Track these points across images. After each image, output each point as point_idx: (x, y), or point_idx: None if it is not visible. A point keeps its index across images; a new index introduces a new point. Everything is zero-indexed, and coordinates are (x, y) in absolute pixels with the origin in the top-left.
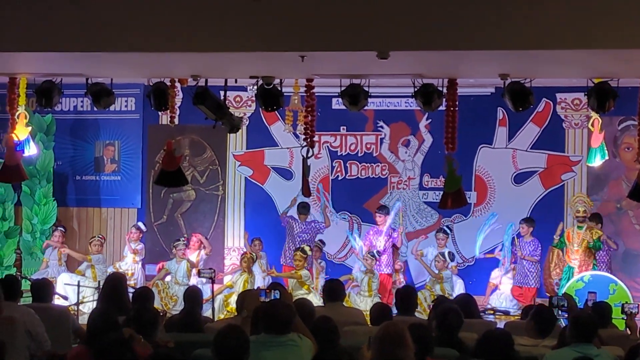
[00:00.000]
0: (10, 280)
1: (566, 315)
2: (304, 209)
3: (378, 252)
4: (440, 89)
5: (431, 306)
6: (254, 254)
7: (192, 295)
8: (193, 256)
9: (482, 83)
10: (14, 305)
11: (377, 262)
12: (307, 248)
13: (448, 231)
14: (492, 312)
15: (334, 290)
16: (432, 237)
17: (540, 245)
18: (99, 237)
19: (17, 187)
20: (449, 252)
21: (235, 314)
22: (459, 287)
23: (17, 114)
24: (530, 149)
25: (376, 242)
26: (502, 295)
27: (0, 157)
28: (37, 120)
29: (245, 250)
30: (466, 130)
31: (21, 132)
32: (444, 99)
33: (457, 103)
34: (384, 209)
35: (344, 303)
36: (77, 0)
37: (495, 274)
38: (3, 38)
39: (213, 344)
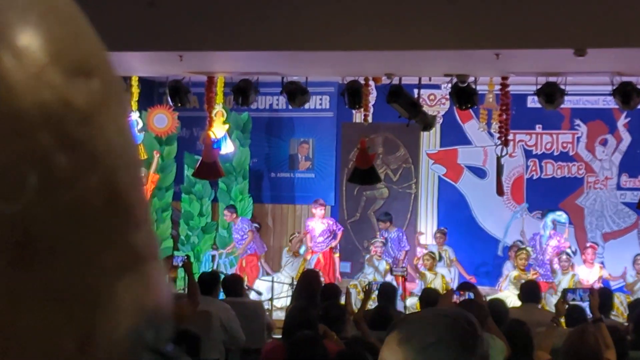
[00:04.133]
0: (209, 276)
1: None
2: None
3: (573, 251)
4: None
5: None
6: (435, 253)
7: (386, 292)
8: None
9: None
10: (210, 300)
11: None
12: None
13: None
14: None
15: (530, 292)
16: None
17: None
18: (297, 233)
19: (214, 184)
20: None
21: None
22: None
23: (214, 112)
24: None
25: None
26: None
27: (198, 155)
28: (233, 118)
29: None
30: None
31: (218, 129)
32: None
33: None
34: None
35: (539, 305)
36: (272, 1)
37: None
38: (202, 38)
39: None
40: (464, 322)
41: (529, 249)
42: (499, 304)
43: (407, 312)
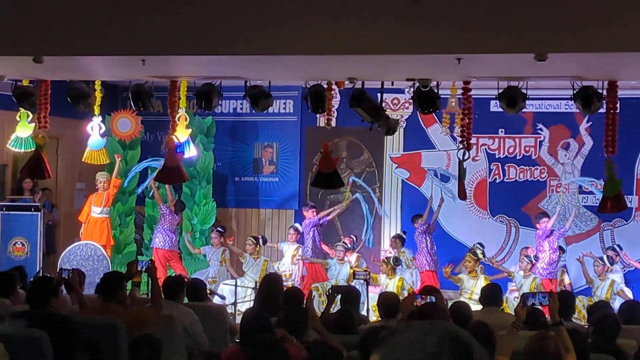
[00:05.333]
0: (173, 280)
1: None
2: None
3: (535, 256)
4: (600, 91)
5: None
6: (391, 258)
7: (349, 296)
8: (353, 258)
9: None
10: (174, 304)
11: (533, 266)
12: (479, 251)
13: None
14: None
15: (491, 295)
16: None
17: None
18: (253, 238)
19: (177, 188)
20: (608, 256)
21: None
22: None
23: (177, 116)
24: None
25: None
26: None
27: (161, 159)
28: (197, 122)
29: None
30: (628, 133)
31: (182, 134)
32: (604, 102)
33: (617, 106)
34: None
35: (501, 308)
36: (235, 5)
37: None
38: (165, 43)
39: (359, 345)
40: (455, 342)
41: (479, 252)
42: (462, 306)
43: (370, 317)
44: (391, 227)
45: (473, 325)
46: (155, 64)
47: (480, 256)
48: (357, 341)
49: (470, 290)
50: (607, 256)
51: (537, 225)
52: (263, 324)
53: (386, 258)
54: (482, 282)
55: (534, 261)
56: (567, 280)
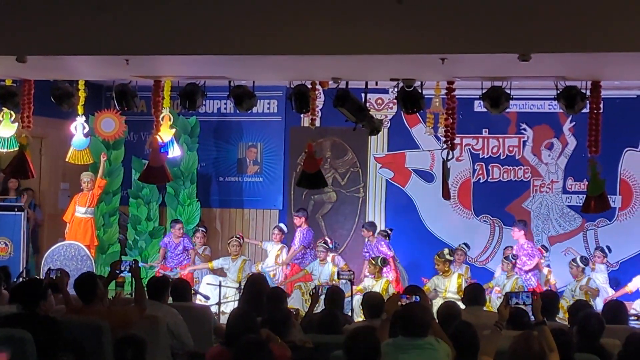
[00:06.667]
0: (157, 280)
1: None
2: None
3: (514, 255)
4: (584, 91)
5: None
6: (379, 259)
7: (333, 296)
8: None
9: (627, 86)
10: (158, 305)
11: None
12: (446, 251)
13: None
14: (636, 317)
15: (474, 294)
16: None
17: None
18: (237, 237)
19: (161, 188)
20: (582, 257)
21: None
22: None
23: (161, 116)
24: None
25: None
26: None
27: (146, 159)
28: (181, 122)
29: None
30: (611, 133)
31: (165, 134)
32: (588, 102)
33: (601, 106)
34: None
35: (484, 308)
36: (220, 5)
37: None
38: (149, 42)
39: (344, 346)
40: None
41: (446, 252)
42: (451, 306)
43: (355, 317)
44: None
45: (457, 325)
46: (139, 63)
47: (448, 257)
48: (341, 341)
49: (444, 289)
50: (582, 257)
51: (514, 234)
52: (249, 324)
53: (373, 259)
54: (455, 278)
55: (513, 260)
56: (552, 280)
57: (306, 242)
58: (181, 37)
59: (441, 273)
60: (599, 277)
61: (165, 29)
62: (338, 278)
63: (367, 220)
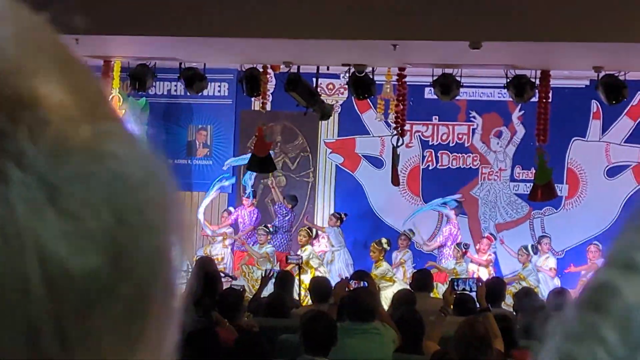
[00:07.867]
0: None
1: None
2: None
3: (465, 244)
4: (533, 80)
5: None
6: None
7: (282, 280)
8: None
9: (576, 75)
10: None
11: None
12: (384, 241)
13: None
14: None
15: (422, 281)
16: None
17: None
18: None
19: None
20: (532, 245)
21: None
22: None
23: (110, 97)
24: (624, 142)
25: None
26: None
27: None
28: (130, 103)
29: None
30: (559, 122)
31: None
32: (537, 91)
33: (549, 95)
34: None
35: (431, 294)
36: None
37: None
38: (98, 21)
39: (301, 329)
40: None
41: (384, 241)
42: (406, 294)
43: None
44: (324, 212)
45: (402, 311)
46: (89, 43)
47: (385, 246)
48: (291, 325)
49: None
50: (532, 245)
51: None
52: (198, 306)
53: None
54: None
55: (463, 249)
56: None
57: (255, 224)
58: (132, 16)
59: (375, 262)
60: (550, 263)
61: (117, 9)
62: (287, 262)
63: (316, 205)
